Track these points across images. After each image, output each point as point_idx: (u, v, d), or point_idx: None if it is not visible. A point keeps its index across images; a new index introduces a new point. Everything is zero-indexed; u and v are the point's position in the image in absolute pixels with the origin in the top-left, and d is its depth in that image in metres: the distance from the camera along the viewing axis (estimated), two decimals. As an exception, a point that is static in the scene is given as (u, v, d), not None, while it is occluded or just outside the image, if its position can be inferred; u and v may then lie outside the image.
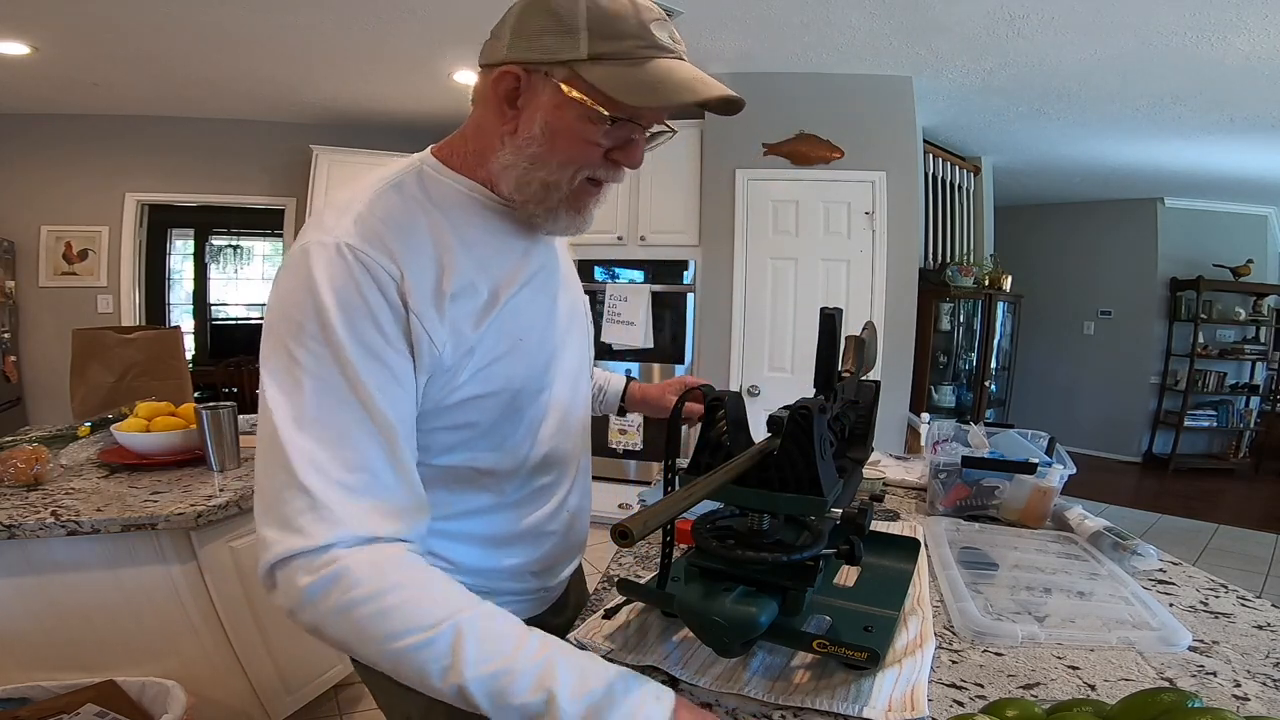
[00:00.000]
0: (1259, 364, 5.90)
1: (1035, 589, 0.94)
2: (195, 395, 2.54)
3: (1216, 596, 0.95)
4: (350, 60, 3.38)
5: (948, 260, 4.57)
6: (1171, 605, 0.91)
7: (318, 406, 0.60)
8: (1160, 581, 1.00)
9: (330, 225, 0.65)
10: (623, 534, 0.48)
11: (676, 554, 0.85)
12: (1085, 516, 1.20)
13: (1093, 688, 0.70)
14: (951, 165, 4.56)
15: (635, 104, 0.67)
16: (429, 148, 0.78)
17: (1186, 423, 5.79)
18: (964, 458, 1.28)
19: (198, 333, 7.09)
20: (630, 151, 0.72)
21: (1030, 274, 5.99)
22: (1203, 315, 5.72)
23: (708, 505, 0.72)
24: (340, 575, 0.56)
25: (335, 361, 0.61)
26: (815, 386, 0.78)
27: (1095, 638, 0.80)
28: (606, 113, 0.67)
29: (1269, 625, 0.85)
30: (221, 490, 1.53)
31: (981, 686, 0.70)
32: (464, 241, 0.71)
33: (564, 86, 0.66)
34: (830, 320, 0.77)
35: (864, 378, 0.93)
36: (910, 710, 0.63)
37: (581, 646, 0.77)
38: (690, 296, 3.69)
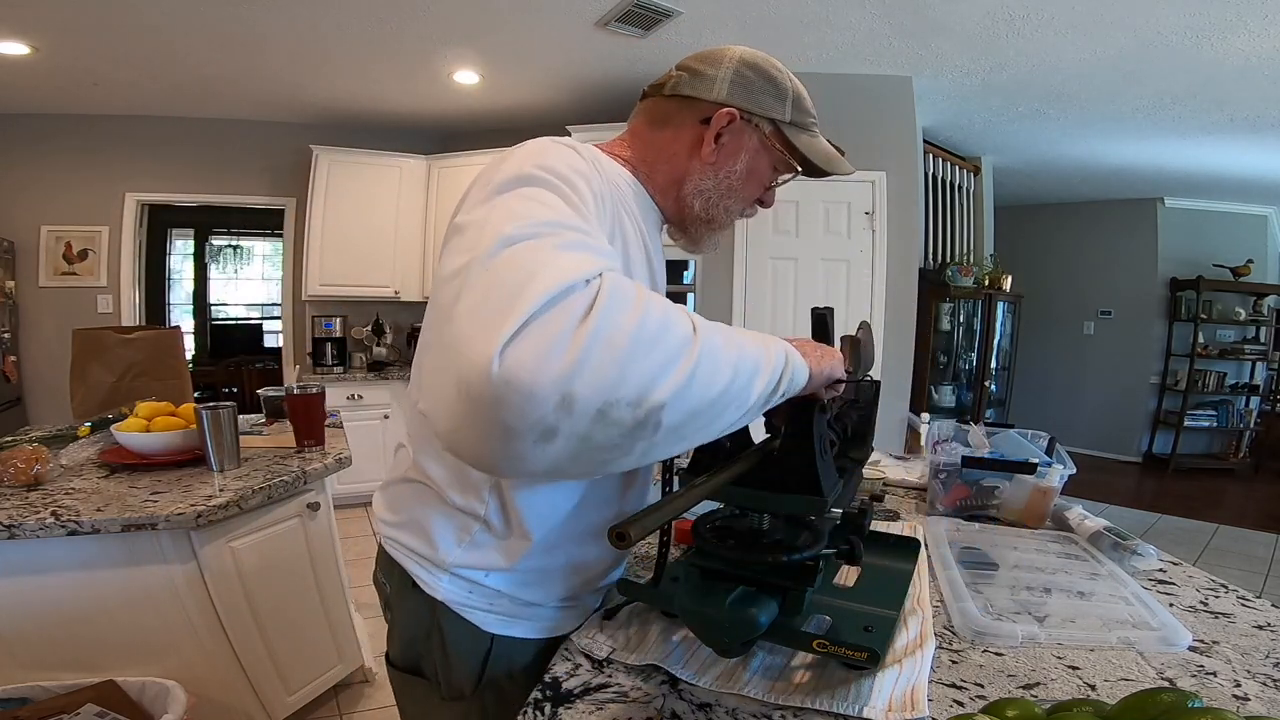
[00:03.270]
0: (1259, 364, 5.90)
1: (1035, 589, 0.94)
2: (195, 395, 2.54)
3: (1216, 596, 0.95)
4: (350, 60, 3.38)
5: (948, 260, 4.57)
6: (1171, 605, 0.91)
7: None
8: (1160, 581, 1.00)
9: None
10: (620, 536, 0.48)
11: (676, 554, 0.85)
12: (1085, 516, 1.20)
13: (1093, 688, 0.70)
14: (951, 165, 4.56)
15: (819, 167, 0.83)
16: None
17: (1186, 423, 5.79)
18: (964, 458, 1.28)
19: (198, 333, 7.09)
20: (771, 195, 0.88)
21: (1030, 274, 6.00)
22: (1203, 315, 5.72)
23: (708, 505, 0.72)
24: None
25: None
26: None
27: (1095, 638, 0.80)
28: (800, 168, 0.84)
29: (1269, 625, 0.85)
30: (221, 490, 1.53)
31: (981, 686, 0.70)
32: (628, 210, 0.77)
33: (770, 138, 0.81)
34: (822, 319, 0.78)
35: (863, 378, 0.93)
36: (910, 710, 0.63)
37: (586, 649, 0.77)
38: (691, 296, 3.69)
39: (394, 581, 0.82)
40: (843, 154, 0.88)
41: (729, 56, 0.81)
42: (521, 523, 0.75)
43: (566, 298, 0.44)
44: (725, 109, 0.78)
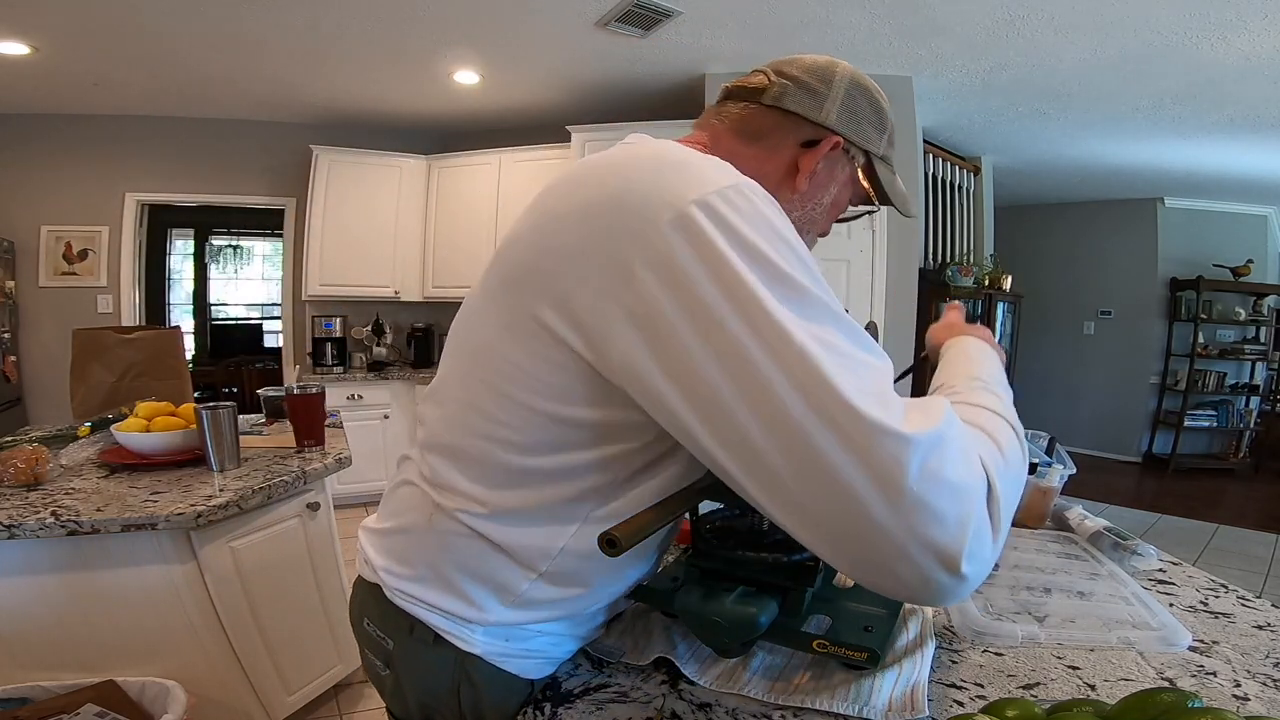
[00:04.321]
0: (1259, 364, 5.90)
1: (1035, 589, 0.94)
2: (195, 395, 2.54)
3: (1216, 596, 0.95)
4: (350, 60, 3.38)
5: (948, 260, 4.57)
6: (1171, 605, 0.91)
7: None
8: (1160, 581, 1.00)
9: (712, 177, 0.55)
10: (610, 542, 0.47)
11: (676, 554, 0.85)
12: (1085, 516, 1.20)
13: (1093, 688, 0.70)
14: (951, 165, 4.56)
15: (897, 207, 0.78)
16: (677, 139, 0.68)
17: (1186, 423, 5.79)
18: (964, 458, 1.28)
19: (198, 333, 7.09)
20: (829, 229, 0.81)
21: (1030, 274, 6.00)
22: (1203, 315, 5.72)
23: (708, 505, 0.72)
24: None
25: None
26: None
27: (1095, 638, 0.80)
28: (879, 206, 0.78)
29: (1269, 625, 0.85)
30: (221, 490, 1.53)
31: (981, 686, 0.70)
32: None
33: (860, 171, 0.75)
34: None
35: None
36: (910, 710, 0.63)
37: (592, 653, 0.77)
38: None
39: (400, 636, 0.70)
40: None
41: (840, 74, 0.72)
42: (581, 570, 0.67)
43: (984, 492, 0.49)
44: (834, 136, 0.71)
